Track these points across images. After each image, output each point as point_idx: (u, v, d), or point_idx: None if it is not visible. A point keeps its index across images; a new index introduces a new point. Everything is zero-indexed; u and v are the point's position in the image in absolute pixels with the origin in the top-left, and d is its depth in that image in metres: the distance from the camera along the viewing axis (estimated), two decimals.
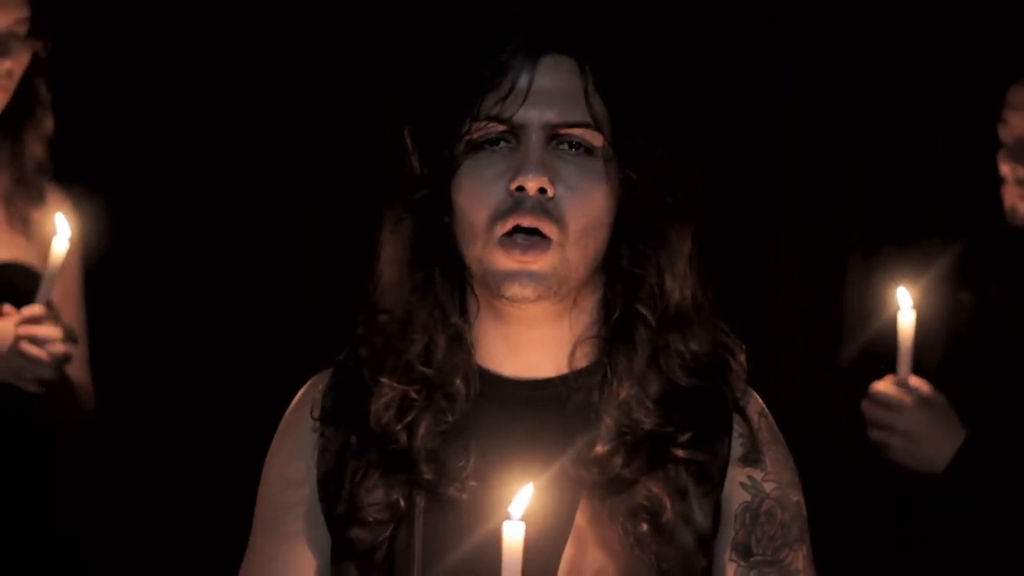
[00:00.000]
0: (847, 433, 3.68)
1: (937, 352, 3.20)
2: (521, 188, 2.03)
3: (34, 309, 3.09)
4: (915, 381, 3.07)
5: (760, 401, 2.12)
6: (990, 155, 3.19)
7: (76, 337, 3.15)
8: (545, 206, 2.03)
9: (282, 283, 3.90)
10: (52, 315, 3.10)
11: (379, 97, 3.81)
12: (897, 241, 3.59)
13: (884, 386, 3.08)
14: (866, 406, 3.10)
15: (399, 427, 2.07)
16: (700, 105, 3.75)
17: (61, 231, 3.10)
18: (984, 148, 3.23)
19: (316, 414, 2.12)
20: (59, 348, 3.09)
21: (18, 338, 3.08)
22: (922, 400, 3.06)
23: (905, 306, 3.04)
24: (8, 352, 3.08)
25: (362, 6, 3.85)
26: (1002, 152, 3.16)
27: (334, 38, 3.86)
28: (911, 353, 3.05)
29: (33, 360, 3.08)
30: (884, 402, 3.08)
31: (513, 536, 1.88)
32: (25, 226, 3.22)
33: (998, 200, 3.17)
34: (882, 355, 3.16)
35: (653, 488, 2.03)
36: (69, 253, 3.15)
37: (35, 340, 3.08)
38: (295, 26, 3.86)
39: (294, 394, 2.21)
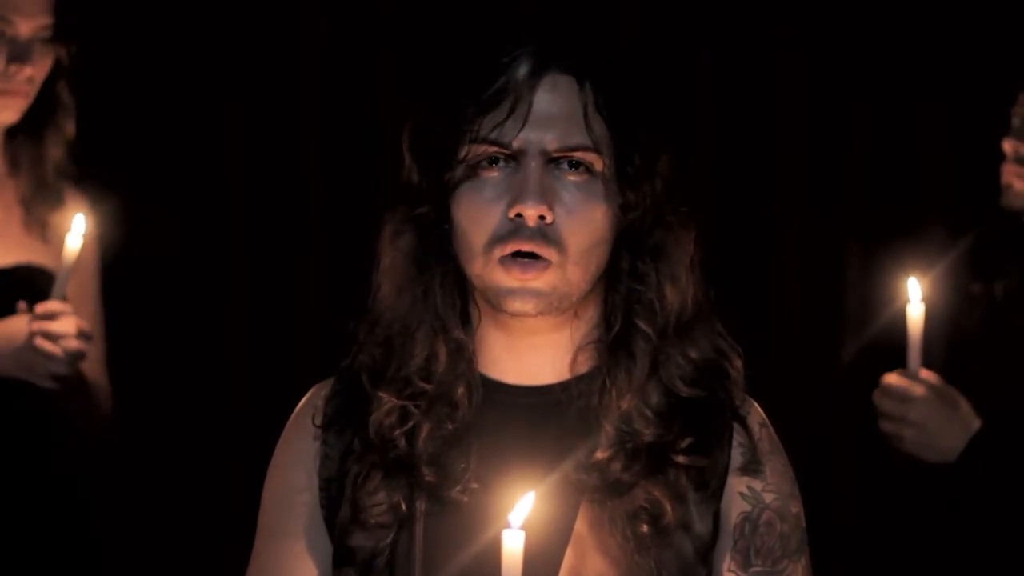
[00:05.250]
0: (850, 431, 3.69)
1: (945, 345, 3.19)
2: (520, 215, 2.02)
3: (48, 305, 3.10)
4: (926, 373, 3.07)
5: (760, 411, 2.11)
6: (993, 144, 3.19)
7: (90, 334, 3.16)
8: (544, 231, 2.02)
9: (284, 283, 3.90)
10: (66, 311, 3.11)
11: (380, 98, 3.81)
12: (901, 234, 3.58)
13: (895, 378, 3.08)
14: (877, 398, 3.10)
15: (399, 433, 2.07)
16: (697, 103, 3.74)
17: (76, 228, 3.10)
18: (987, 137, 3.22)
19: (318, 421, 2.12)
20: (73, 344, 3.11)
21: (32, 334, 3.09)
22: (933, 391, 3.06)
23: (914, 298, 3.04)
24: (22, 348, 3.10)
25: (364, 7, 3.84)
26: (1011, 133, 3.15)
27: (336, 38, 3.85)
28: (921, 345, 3.04)
29: (47, 356, 3.09)
30: (896, 393, 3.08)
31: (513, 544, 1.88)
32: (43, 229, 3.24)
33: (998, 185, 3.17)
34: (884, 352, 3.16)
35: (653, 491, 2.03)
36: (86, 252, 3.17)
37: (49, 336, 3.09)
38: (297, 26, 3.86)
39: (294, 392, 2.21)
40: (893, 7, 3.76)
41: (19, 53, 3.16)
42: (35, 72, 3.18)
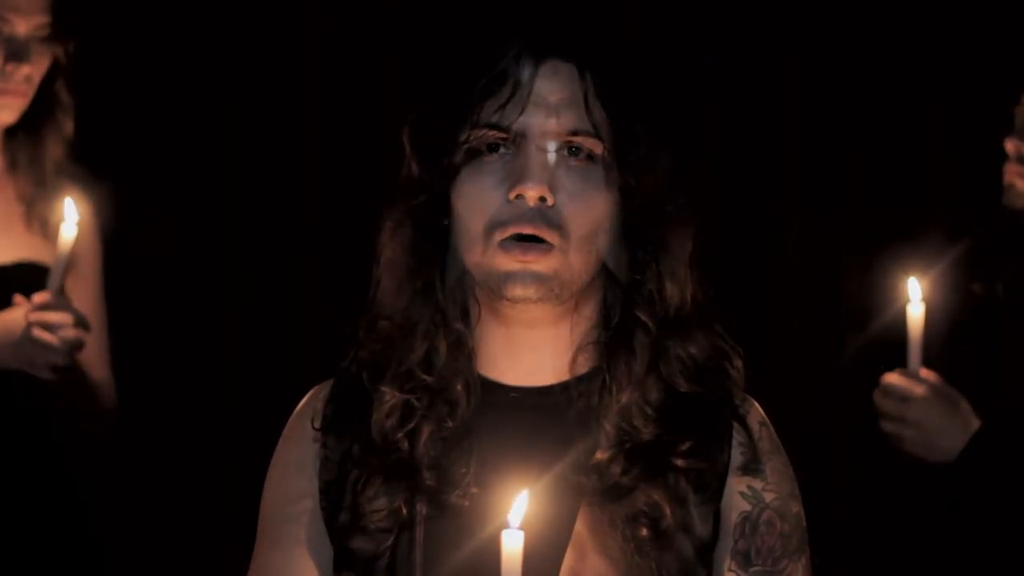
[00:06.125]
0: (850, 431, 3.69)
1: (945, 344, 3.19)
2: (521, 196, 2.02)
3: (45, 296, 3.11)
4: (926, 373, 3.07)
5: (760, 410, 2.11)
6: (994, 144, 3.19)
7: (88, 324, 3.16)
8: (545, 214, 2.02)
9: (284, 283, 3.90)
10: (63, 302, 3.11)
11: (380, 98, 3.81)
12: (901, 234, 3.58)
13: (895, 377, 3.08)
14: (877, 397, 3.10)
15: (400, 435, 2.06)
16: (698, 101, 3.74)
17: (69, 217, 3.11)
18: (988, 137, 3.23)
19: (317, 424, 2.11)
20: (70, 333, 3.11)
21: (29, 325, 3.10)
22: (933, 390, 3.06)
23: (914, 298, 3.04)
24: (20, 339, 3.10)
25: (364, 6, 3.84)
26: (1013, 132, 3.16)
27: (336, 38, 3.85)
28: (920, 345, 3.05)
29: (45, 346, 3.10)
30: (895, 393, 3.08)
31: (512, 544, 1.88)
32: (44, 228, 3.24)
33: (999, 185, 3.17)
34: (884, 352, 3.16)
35: (653, 495, 2.02)
36: (87, 248, 3.18)
37: (46, 326, 3.10)
38: (297, 26, 3.86)
39: (294, 392, 2.21)
40: (893, 7, 3.76)
41: (17, 52, 3.16)
42: (33, 71, 3.19)
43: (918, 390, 3.06)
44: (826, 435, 3.76)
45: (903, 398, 3.07)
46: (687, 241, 2.09)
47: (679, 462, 2.03)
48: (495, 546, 1.89)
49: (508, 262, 2.02)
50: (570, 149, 2.04)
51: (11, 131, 3.25)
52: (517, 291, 2.02)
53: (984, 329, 3.20)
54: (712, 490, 2.05)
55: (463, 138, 2.04)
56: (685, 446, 2.04)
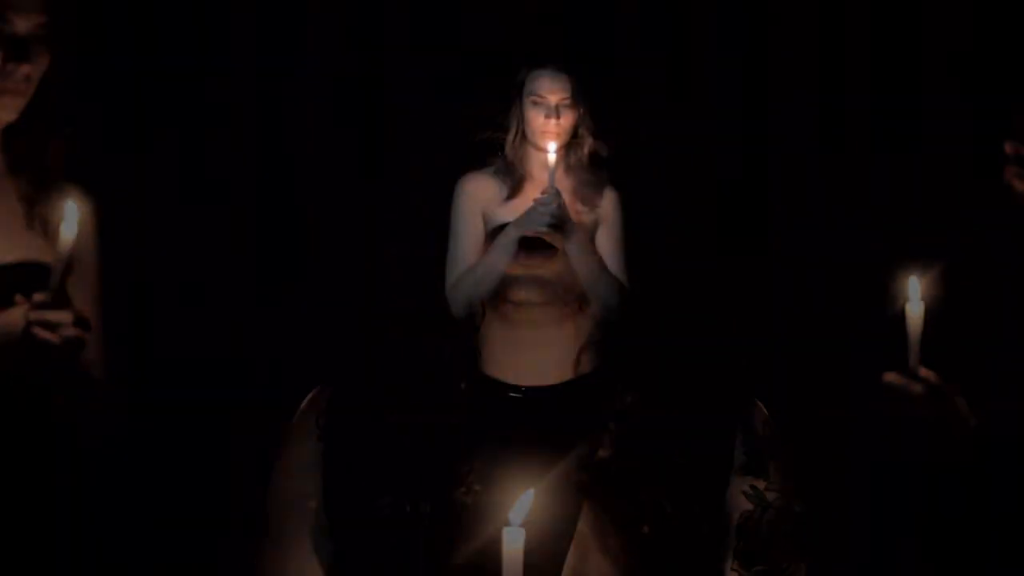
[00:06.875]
0: (850, 431, 3.70)
1: (945, 344, 3.19)
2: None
3: (44, 295, 3.11)
4: (925, 372, 3.07)
5: (764, 410, 2.12)
6: (994, 144, 3.19)
7: (88, 323, 3.17)
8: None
9: (284, 283, 3.91)
10: (63, 300, 3.12)
11: (381, 98, 3.82)
12: (902, 234, 3.59)
13: (894, 377, 3.08)
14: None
15: (405, 434, 2.07)
16: (698, 101, 3.76)
17: (69, 216, 3.12)
18: (988, 138, 3.23)
19: (321, 423, 2.12)
20: (71, 332, 3.11)
21: (29, 323, 3.10)
22: (932, 390, 3.06)
23: (914, 297, 3.04)
24: (20, 338, 3.10)
25: (364, 7, 3.86)
26: (1013, 134, 3.16)
27: (336, 38, 3.86)
28: (920, 344, 3.05)
29: (45, 345, 3.10)
30: (894, 392, 3.08)
31: (513, 542, 1.88)
32: (44, 227, 3.25)
33: (1000, 186, 3.18)
34: (884, 352, 3.17)
35: (655, 493, 2.03)
36: (86, 248, 3.18)
37: (46, 325, 3.10)
38: (297, 26, 3.87)
39: (294, 392, 2.21)
40: (893, 7, 3.77)
41: (16, 51, 3.17)
42: (33, 70, 3.19)
43: (916, 389, 3.06)
44: (826, 435, 3.76)
45: (901, 397, 3.07)
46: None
47: (682, 461, 2.04)
48: (498, 544, 1.89)
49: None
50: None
51: (10, 131, 3.26)
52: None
53: (984, 329, 3.20)
54: (715, 489, 2.05)
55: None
56: (688, 446, 2.04)
